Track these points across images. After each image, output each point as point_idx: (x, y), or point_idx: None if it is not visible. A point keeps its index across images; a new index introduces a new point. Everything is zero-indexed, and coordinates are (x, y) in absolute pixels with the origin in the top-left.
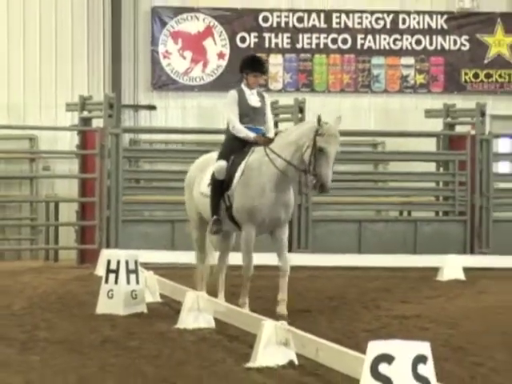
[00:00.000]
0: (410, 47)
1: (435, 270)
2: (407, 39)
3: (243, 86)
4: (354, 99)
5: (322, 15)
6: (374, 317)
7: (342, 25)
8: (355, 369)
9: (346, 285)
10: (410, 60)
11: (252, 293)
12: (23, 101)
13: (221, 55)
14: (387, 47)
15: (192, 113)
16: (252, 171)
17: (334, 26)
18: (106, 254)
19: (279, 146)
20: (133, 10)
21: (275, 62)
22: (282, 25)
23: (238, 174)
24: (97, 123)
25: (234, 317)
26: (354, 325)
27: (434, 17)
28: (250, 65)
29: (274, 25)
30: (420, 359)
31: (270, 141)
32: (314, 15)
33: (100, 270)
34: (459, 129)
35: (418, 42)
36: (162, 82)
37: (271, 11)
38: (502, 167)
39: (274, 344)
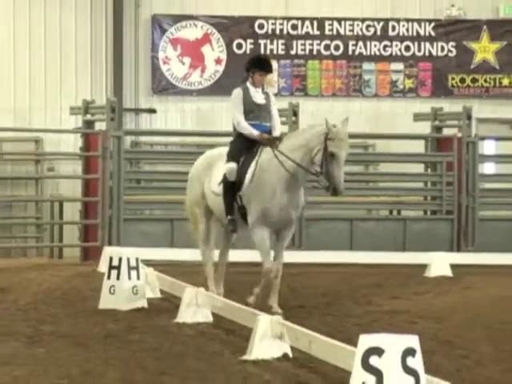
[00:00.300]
0: (399, 53)
1: (423, 267)
2: (397, 46)
3: (248, 84)
4: (346, 103)
5: (315, 23)
6: (365, 312)
7: (335, 32)
8: (347, 361)
9: (338, 281)
10: (400, 65)
11: (246, 289)
12: (29, 105)
13: (218, 61)
14: (377, 53)
15: (191, 116)
16: (263, 173)
17: (327, 33)
18: (109, 252)
19: (288, 148)
20: (134, 18)
21: None
22: (277, 32)
23: (248, 176)
24: (99, 126)
25: (230, 311)
26: (345, 319)
27: (423, 24)
28: (256, 64)
29: (269, 32)
30: (409, 352)
31: (275, 140)
32: (307, 23)
33: (102, 267)
34: (446, 131)
35: (407, 49)
36: (162, 87)
37: (266, 19)
38: (487, 168)
39: (269, 337)
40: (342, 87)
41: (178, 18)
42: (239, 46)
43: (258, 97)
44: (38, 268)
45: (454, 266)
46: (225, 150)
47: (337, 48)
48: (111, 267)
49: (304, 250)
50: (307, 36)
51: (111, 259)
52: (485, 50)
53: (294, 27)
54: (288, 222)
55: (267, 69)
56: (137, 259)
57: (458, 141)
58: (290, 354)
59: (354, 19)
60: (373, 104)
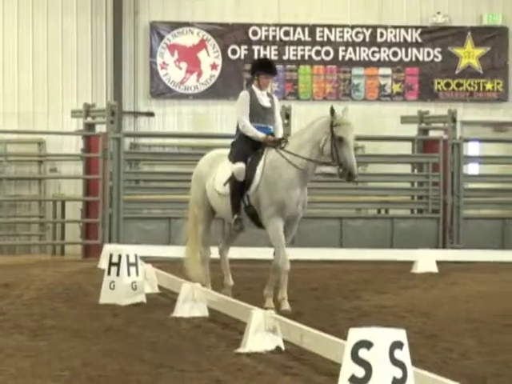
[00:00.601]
0: (387, 59)
1: (410, 263)
2: (385, 51)
3: (254, 87)
4: (336, 106)
5: (307, 29)
6: (355, 306)
7: (325, 38)
8: (337, 354)
9: (328, 277)
10: (388, 70)
11: (242, 284)
12: (32, 108)
13: (214, 66)
14: (366, 59)
15: (187, 119)
16: (274, 170)
17: (318, 39)
18: (109, 249)
19: (294, 147)
20: (133, 25)
21: None
22: (270, 38)
23: (257, 175)
24: (100, 128)
25: (226, 306)
26: (335, 314)
27: (410, 31)
28: (261, 67)
29: (263, 38)
30: (396, 345)
31: (279, 141)
32: (299, 29)
33: (103, 264)
34: (432, 134)
35: (395, 54)
36: (160, 91)
37: (260, 26)
38: (471, 169)
39: (263, 331)
40: (333, 91)
41: (175, 25)
42: (234, 52)
43: (264, 100)
44: (41, 265)
45: (439, 263)
46: (225, 151)
47: (327, 54)
48: (111, 264)
49: (296, 247)
50: (299, 42)
51: (111, 256)
52: (469, 55)
53: (286, 34)
54: (295, 219)
55: (272, 71)
56: (136, 256)
57: (443, 143)
58: (283, 347)
59: (343, 26)
60: (362, 107)
